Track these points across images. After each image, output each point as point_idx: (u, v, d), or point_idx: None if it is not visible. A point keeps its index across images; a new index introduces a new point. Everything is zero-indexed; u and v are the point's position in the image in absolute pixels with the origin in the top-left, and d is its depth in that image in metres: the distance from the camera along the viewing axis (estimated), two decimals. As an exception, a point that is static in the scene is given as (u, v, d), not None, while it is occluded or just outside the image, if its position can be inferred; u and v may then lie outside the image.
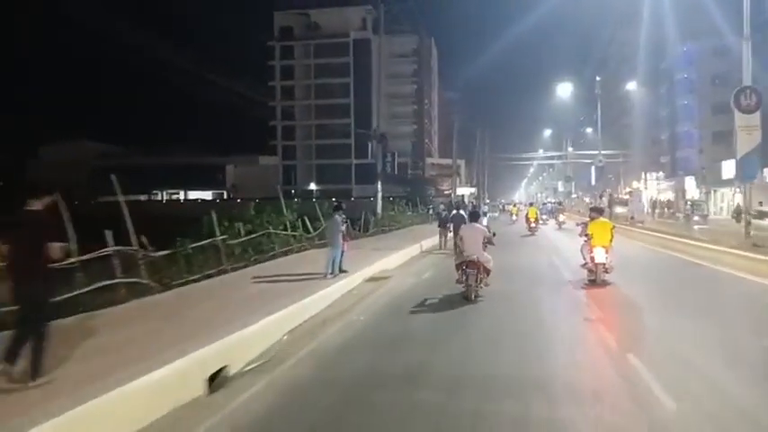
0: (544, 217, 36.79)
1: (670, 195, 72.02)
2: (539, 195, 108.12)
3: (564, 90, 38.95)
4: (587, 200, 78.78)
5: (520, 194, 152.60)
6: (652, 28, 73.86)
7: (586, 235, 12.75)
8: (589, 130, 78.99)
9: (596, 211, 13.93)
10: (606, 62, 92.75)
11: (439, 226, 22.83)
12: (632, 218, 29.63)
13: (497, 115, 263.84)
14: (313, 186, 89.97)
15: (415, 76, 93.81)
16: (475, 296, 10.60)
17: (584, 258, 12.61)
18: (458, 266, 11.01)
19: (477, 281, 10.66)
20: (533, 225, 29.97)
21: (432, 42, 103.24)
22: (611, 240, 12.52)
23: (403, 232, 27.86)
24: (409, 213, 36.31)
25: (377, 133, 30.60)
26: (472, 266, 10.61)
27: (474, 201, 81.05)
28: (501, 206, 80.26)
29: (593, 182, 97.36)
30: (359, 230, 24.40)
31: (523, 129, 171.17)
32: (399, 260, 17.74)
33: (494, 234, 11.68)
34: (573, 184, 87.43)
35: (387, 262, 16.21)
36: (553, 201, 69.35)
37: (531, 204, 42.95)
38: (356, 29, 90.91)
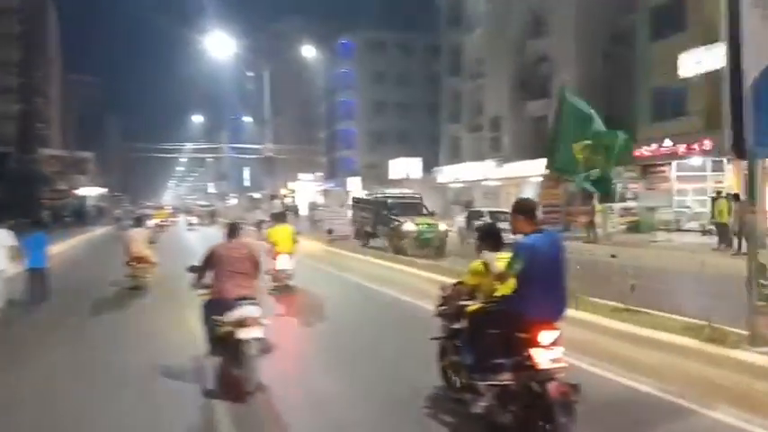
0: (171, 220, 43.79)
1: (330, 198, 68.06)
2: (188, 199, 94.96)
3: (214, 46, 27.86)
4: (230, 201, 69.73)
5: (168, 197, 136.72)
6: (310, 17, 68.95)
7: (270, 242, 12.37)
8: (248, 119, 70.17)
9: (279, 217, 14.10)
10: (261, 51, 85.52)
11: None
12: (330, 232, 20.45)
13: (138, 99, 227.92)
14: None
15: (23, 38, 71.67)
16: (142, 285, 12.29)
17: (269, 268, 11.68)
18: (127, 263, 12.52)
19: (144, 272, 12.45)
20: (162, 224, 34.49)
21: (50, 4, 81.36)
22: (294, 245, 12.44)
23: None
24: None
25: None
26: (141, 261, 12.44)
27: (105, 204, 64.81)
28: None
29: (245, 182, 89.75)
30: None
31: (171, 116, 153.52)
32: None
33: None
34: (227, 183, 77.04)
35: None
36: (206, 204, 58.20)
37: (163, 208, 47.89)
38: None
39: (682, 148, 23.61)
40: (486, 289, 4.98)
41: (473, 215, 25.26)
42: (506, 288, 4.58)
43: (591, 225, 25.40)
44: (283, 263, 11.89)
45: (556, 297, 4.49)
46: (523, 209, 4.70)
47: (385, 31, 61.41)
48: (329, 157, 71.04)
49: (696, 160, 24.46)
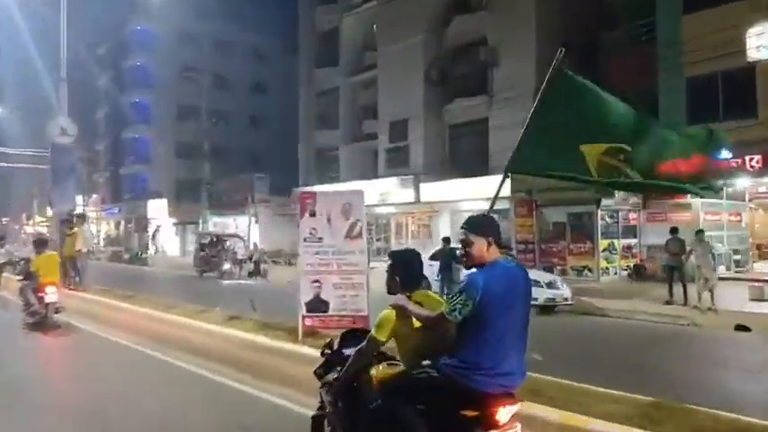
0: None
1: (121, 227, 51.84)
2: None
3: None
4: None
5: None
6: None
7: (28, 273, 11.71)
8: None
9: (41, 244, 12.02)
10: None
11: None
12: (322, 307, 7.16)
13: None
14: None
15: None
16: None
17: (30, 301, 11.12)
18: None
19: None
20: None
21: None
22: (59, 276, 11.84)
23: None
24: None
25: None
26: None
27: None
28: None
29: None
30: None
31: None
32: None
33: None
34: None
35: None
36: None
37: None
38: None
39: (753, 160, 16.40)
40: (407, 344, 3.45)
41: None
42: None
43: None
44: (52, 295, 11.06)
45: (517, 357, 3.18)
46: (484, 227, 3.26)
47: (201, 23, 48.74)
48: (111, 173, 54.66)
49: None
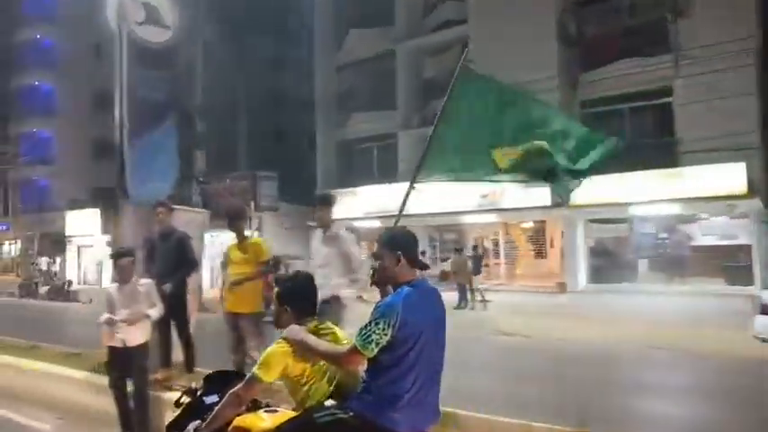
0: None
1: None
2: None
3: None
4: None
5: None
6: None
7: None
8: None
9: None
10: None
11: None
12: None
13: None
14: None
15: None
16: None
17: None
18: None
19: None
20: None
21: None
22: None
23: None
24: None
25: None
26: None
27: None
28: None
29: None
30: None
31: None
32: None
33: None
34: None
35: None
36: None
37: None
38: None
39: None
40: (305, 384, 2.96)
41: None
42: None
43: None
44: None
45: (432, 391, 2.84)
46: (392, 241, 2.91)
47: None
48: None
49: None
